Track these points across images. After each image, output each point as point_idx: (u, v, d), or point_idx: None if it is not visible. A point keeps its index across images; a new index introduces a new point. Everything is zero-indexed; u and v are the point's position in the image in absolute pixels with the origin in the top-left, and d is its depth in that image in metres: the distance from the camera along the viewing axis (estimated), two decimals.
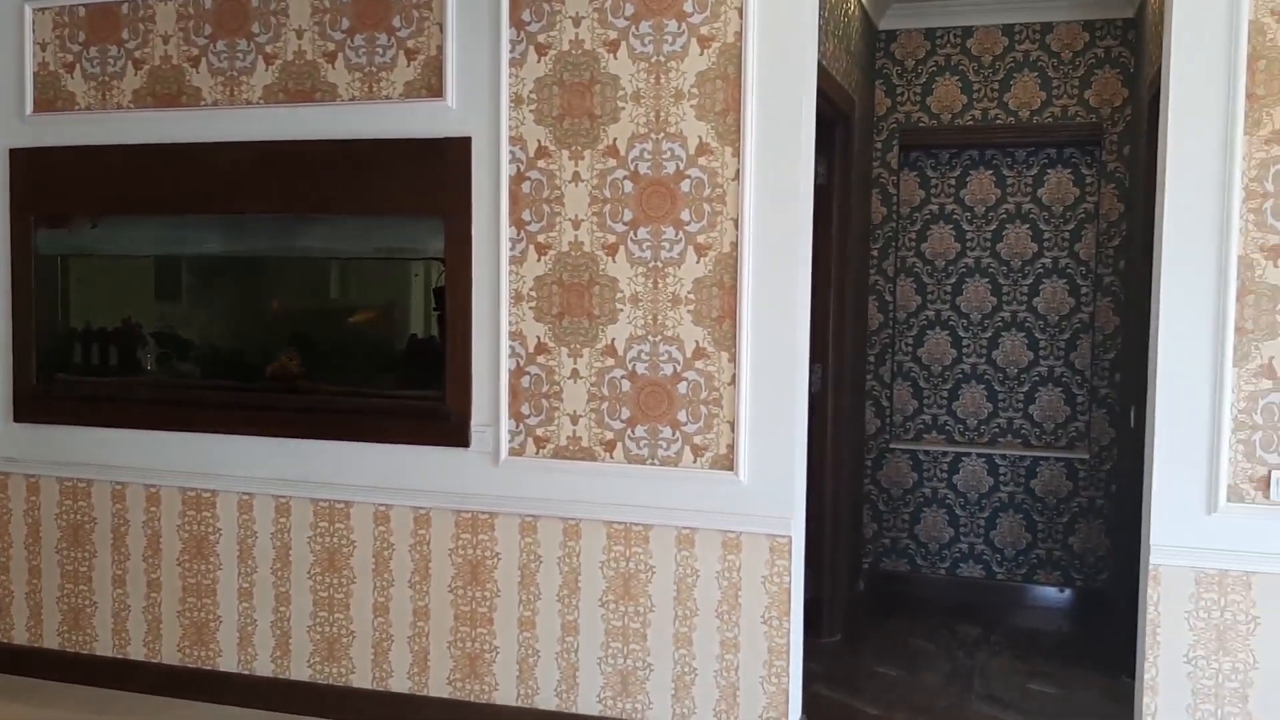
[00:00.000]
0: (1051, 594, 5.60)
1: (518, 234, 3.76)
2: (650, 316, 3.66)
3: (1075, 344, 5.59)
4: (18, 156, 4.28)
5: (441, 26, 3.78)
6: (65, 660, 4.36)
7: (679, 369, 3.65)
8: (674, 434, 3.66)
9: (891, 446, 5.80)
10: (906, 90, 5.62)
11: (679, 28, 3.57)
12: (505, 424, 3.80)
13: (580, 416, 3.74)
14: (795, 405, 3.58)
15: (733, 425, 3.60)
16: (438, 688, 3.94)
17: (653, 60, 3.60)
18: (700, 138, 3.57)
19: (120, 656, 4.31)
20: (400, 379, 4.17)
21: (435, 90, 3.80)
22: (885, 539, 5.84)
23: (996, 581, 5.68)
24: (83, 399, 4.32)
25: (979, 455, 5.69)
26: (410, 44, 3.84)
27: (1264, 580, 3.24)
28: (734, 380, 3.59)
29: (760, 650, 3.62)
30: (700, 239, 3.59)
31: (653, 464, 3.68)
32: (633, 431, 3.70)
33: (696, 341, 3.62)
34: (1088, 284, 5.55)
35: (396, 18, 3.84)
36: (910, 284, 5.80)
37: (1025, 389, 5.67)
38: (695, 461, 3.65)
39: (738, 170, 3.54)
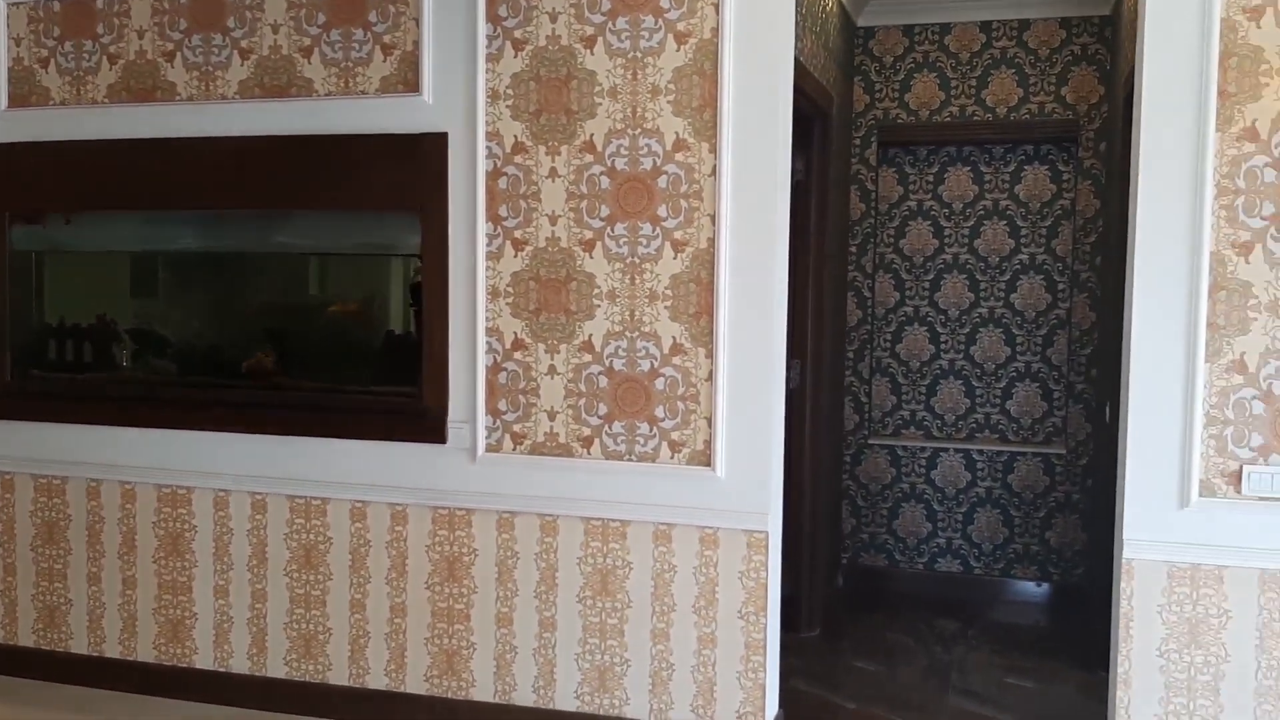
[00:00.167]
0: (1029, 588, 5.63)
1: (494, 230, 3.75)
2: (627, 313, 3.66)
3: (1052, 340, 5.62)
4: None
5: (418, 21, 3.77)
6: (40, 658, 4.34)
7: (656, 365, 3.65)
8: (651, 430, 3.67)
9: (870, 442, 5.82)
10: (885, 87, 5.63)
11: (656, 24, 3.56)
12: (482, 420, 3.79)
13: (558, 413, 3.74)
14: (772, 401, 3.58)
15: (710, 421, 3.60)
16: (415, 684, 3.93)
17: (629, 56, 3.59)
18: (677, 134, 3.57)
19: (96, 654, 4.29)
20: (377, 375, 4.16)
21: (412, 85, 3.79)
22: (864, 534, 5.86)
23: (974, 576, 5.71)
24: (57, 395, 4.30)
25: (957, 451, 5.71)
26: (386, 39, 3.83)
27: (1235, 574, 3.27)
28: (711, 376, 3.59)
29: (737, 645, 3.63)
30: (677, 235, 3.60)
31: (630, 460, 3.69)
32: (610, 428, 3.70)
33: (674, 337, 3.63)
34: (1064, 280, 5.58)
35: (373, 13, 3.83)
36: (889, 280, 5.82)
37: (1002, 385, 5.70)
38: (672, 457, 3.65)
39: (715, 166, 3.54)
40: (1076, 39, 5.39)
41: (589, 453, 3.72)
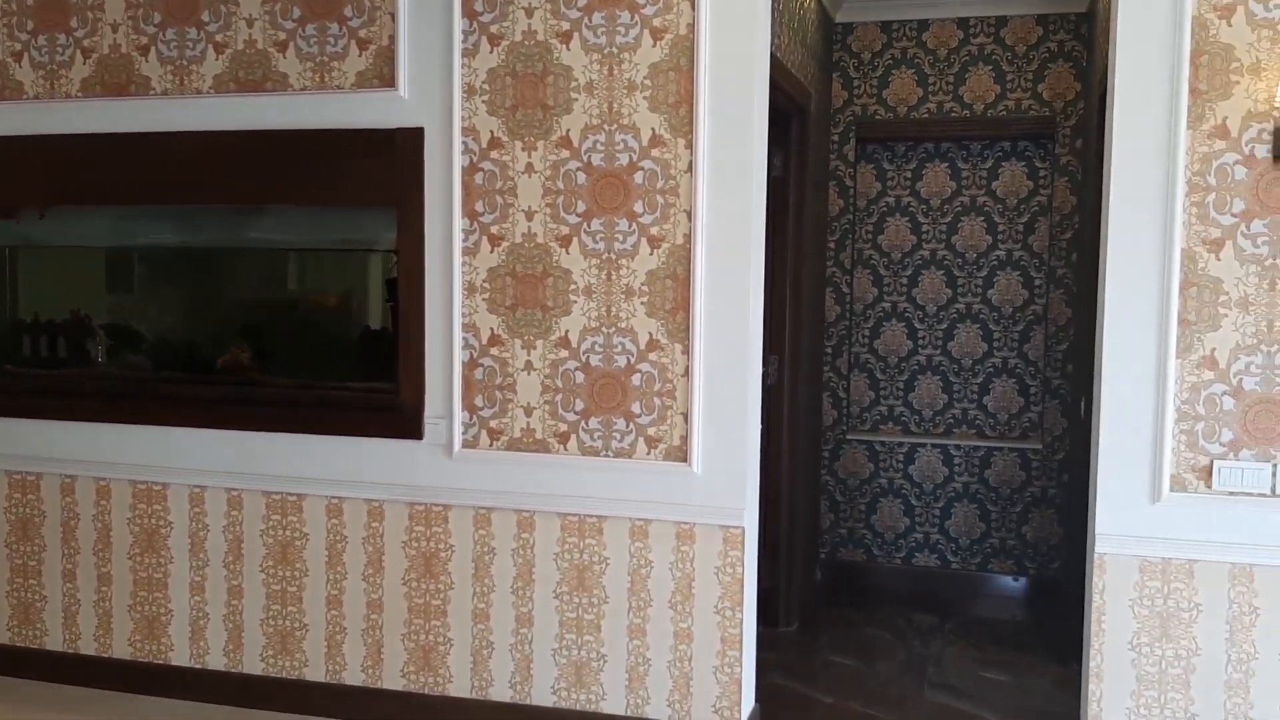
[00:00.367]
0: (1006, 583, 5.66)
1: (471, 225, 3.74)
2: (604, 308, 3.66)
3: (1029, 335, 5.65)
4: None
5: (393, 16, 3.75)
6: (15, 655, 4.31)
7: (633, 361, 3.65)
8: (628, 426, 3.67)
9: (848, 437, 5.84)
10: (863, 83, 5.65)
11: (632, 19, 3.56)
12: (459, 416, 3.79)
13: (534, 408, 3.74)
14: (748, 397, 3.59)
15: (686, 417, 3.61)
16: (391, 680, 3.93)
17: (605, 52, 3.59)
18: (653, 129, 3.57)
19: (71, 651, 4.27)
20: (353, 371, 4.15)
21: (387, 80, 3.78)
22: (842, 529, 5.88)
23: (951, 571, 5.74)
24: (31, 391, 4.27)
25: (934, 446, 5.74)
26: (362, 33, 3.81)
27: (1206, 568, 3.29)
28: (687, 372, 3.60)
29: (713, 640, 3.64)
30: (653, 231, 3.60)
31: (606, 456, 3.69)
32: (586, 423, 3.70)
33: (650, 333, 3.63)
34: (1041, 276, 5.61)
35: (348, 7, 3.82)
36: (867, 276, 5.84)
37: (980, 380, 5.73)
38: (649, 453, 3.66)
39: (691, 162, 3.54)
40: (1053, 36, 5.41)
41: (565, 448, 3.72)
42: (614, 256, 3.64)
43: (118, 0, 4.04)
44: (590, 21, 3.60)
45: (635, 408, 3.66)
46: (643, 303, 3.63)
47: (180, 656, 4.15)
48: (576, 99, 3.63)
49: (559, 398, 3.72)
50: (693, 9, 3.50)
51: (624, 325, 3.65)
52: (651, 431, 3.65)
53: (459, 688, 3.87)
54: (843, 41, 5.66)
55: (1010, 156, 5.63)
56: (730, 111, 3.51)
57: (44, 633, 4.30)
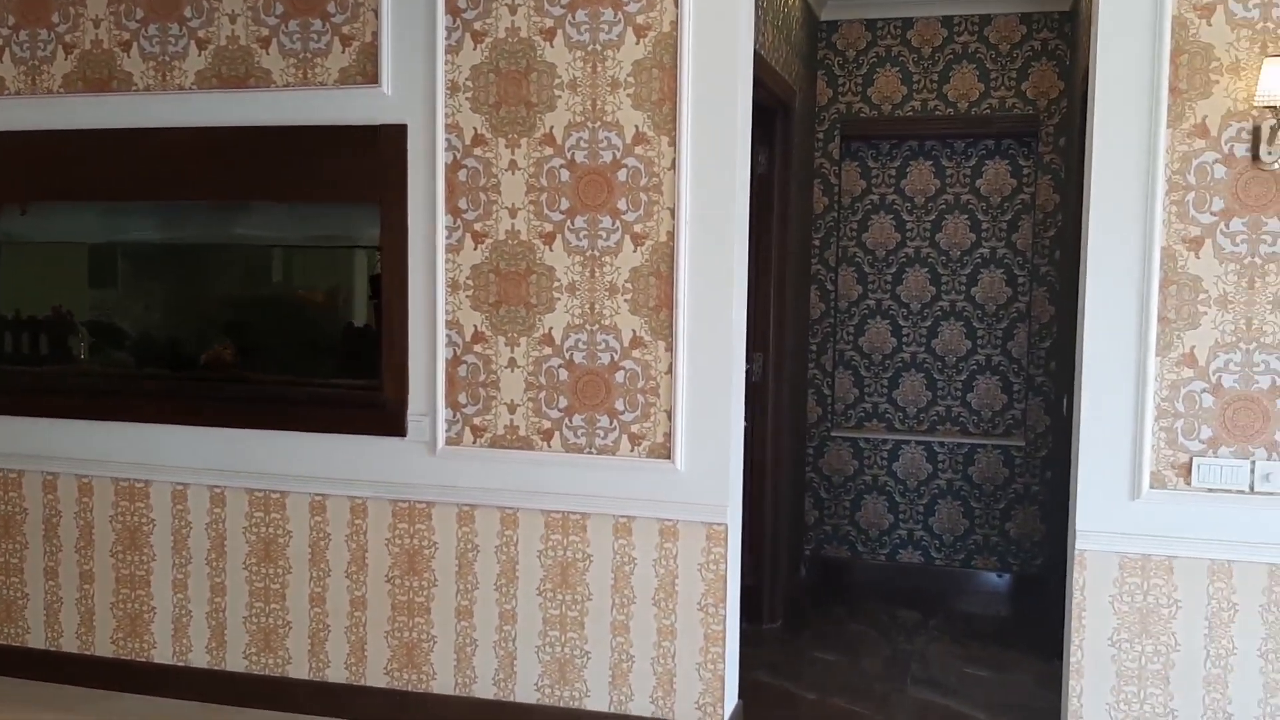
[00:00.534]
0: (989, 579, 5.69)
1: (454, 222, 3.74)
2: (587, 306, 3.66)
3: (1012, 333, 5.67)
4: None
5: (376, 13, 3.75)
6: None
7: (616, 358, 3.66)
8: (611, 423, 3.67)
9: (833, 434, 5.86)
10: (848, 81, 5.66)
11: (615, 16, 3.56)
12: (442, 413, 3.79)
13: (518, 406, 3.74)
14: (731, 394, 3.60)
15: (670, 414, 3.61)
16: (375, 677, 3.93)
17: (589, 49, 3.59)
18: (637, 127, 3.57)
19: (53, 649, 4.25)
20: (337, 368, 4.15)
21: (371, 77, 3.77)
22: (826, 526, 5.89)
23: (935, 567, 5.76)
24: (12, 388, 4.24)
25: (918, 443, 5.76)
26: (345, 30, 3.80)
27: (1185, 564, 3.32)
28: (671, 369, 3.60)
29: (697, 637, 3.64)
30: (637, 228, 3.60)
31: (590, 453, 3.69)
32: (570, 420, 3.71)
33: (634, 331, 3.63)
34: (1024, 274, 5.63)
35: (331, 3, 3.81)
36: (851, 273, 5.85)
37: (963, 377, 5.75)
38: (633, 450, 3.66)
39: (674, 160, 3.54)
40: (1037, 34, 5.43)
41: (549, 446, 3.72)
42: (597, 254, 3.64)
43: None
44: (574, 18, 3.60)
45: (619, 405, 3.66)
46: (626, 300, 3.63)
47: (163, 654, 4.14)
48: (560, 96, 3.63)
49: (542, 395, 3.72)
50: (676, 6, 3.50)
51: (607, 322, 3.65)
52: (635, 428, 3.65)
53: (442, 685, 3.87)
54: (827, 39, 5.67)
55: (994, 155, 5.65)
56: (714, 109, 3.51)
57: (25, 630, 4.28)
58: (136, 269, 4.49)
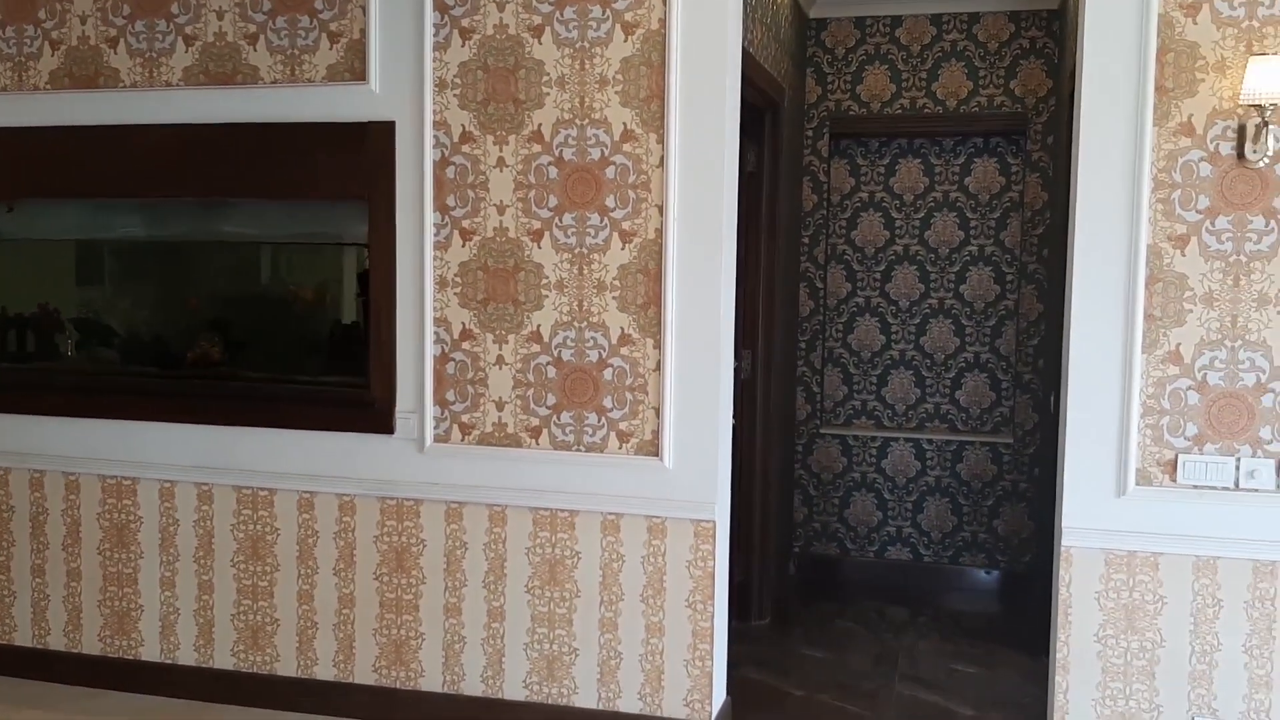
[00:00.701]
0: (977, 576, 5.70)
1: (442, 219, 3.74)
2: (576, 303, 3.66)
3: (1000, 330, 5.69)
4: None
5: (364, 9, 3.74)
6: None
7: (604, 355, 3.66)
8: (600, 420, 3.68)
9: (822, 432, 5.87)
10: (837, 79, 5.67)
11: (603, 13, 3.56)
12: (430, 411, 3.78)
13: (506, 403, 3.74)
14: (719, 391, 3.60)
15: (658, 411, 3.62)
16: (363, 675, 3.92)
17: (577, 46, 3.59)
18: (625, 124, 3.57)
19: (40, 647, 4.24)
20: (324, 365, 4.14)
21: (358, 74, 3.77)
22: (815, 523, 5.90)
23: (924, 564, 5.77)
24: None
25: (907, 440, 5.77)
26: (333, 26, 3.80)
27: (1170, 561, 3.33)
28: (659, 366, 3.60)
29: (684, 634, 3.65)
30: (625, 225, 3.60)
31: (578, 450, 3.69)
32: (558, 418, 3.71)
33: (622, 328, 3.63)
34: (1013, 271, 5.64)
35: (319, 0, 3.80)
36: (841, 271, 5.86)
37: (952, 375, 5.76)
38: (621, 448, 3.66)
39: (662, 157, 3.55)
40: (1025, 33, 5.44)
41: (537, 443, 3.72)
42: (586, 251, 3.64)
43: None
44: (562, 15, 3.60)
45: (607, 402, 3.66)
46: (614, 297, 3.63)
47: (150, 652, 4.13)
48: (548, 93, 3.62)
49: (531, 392, 3.72)
50: (664, 4, 3.51)
51: (596, 320, 3.65)
52: (623, 426, 3.65)
53: (430, 682, 3.87)
54: (816, 37, 5.67)
55: (983, 153, 5.66)
56: (702, 106, 3.51)
57: (13, 629, 4.27)
58: (124, 266, 4.48)
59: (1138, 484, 3.33)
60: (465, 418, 3.78)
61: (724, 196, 3.55)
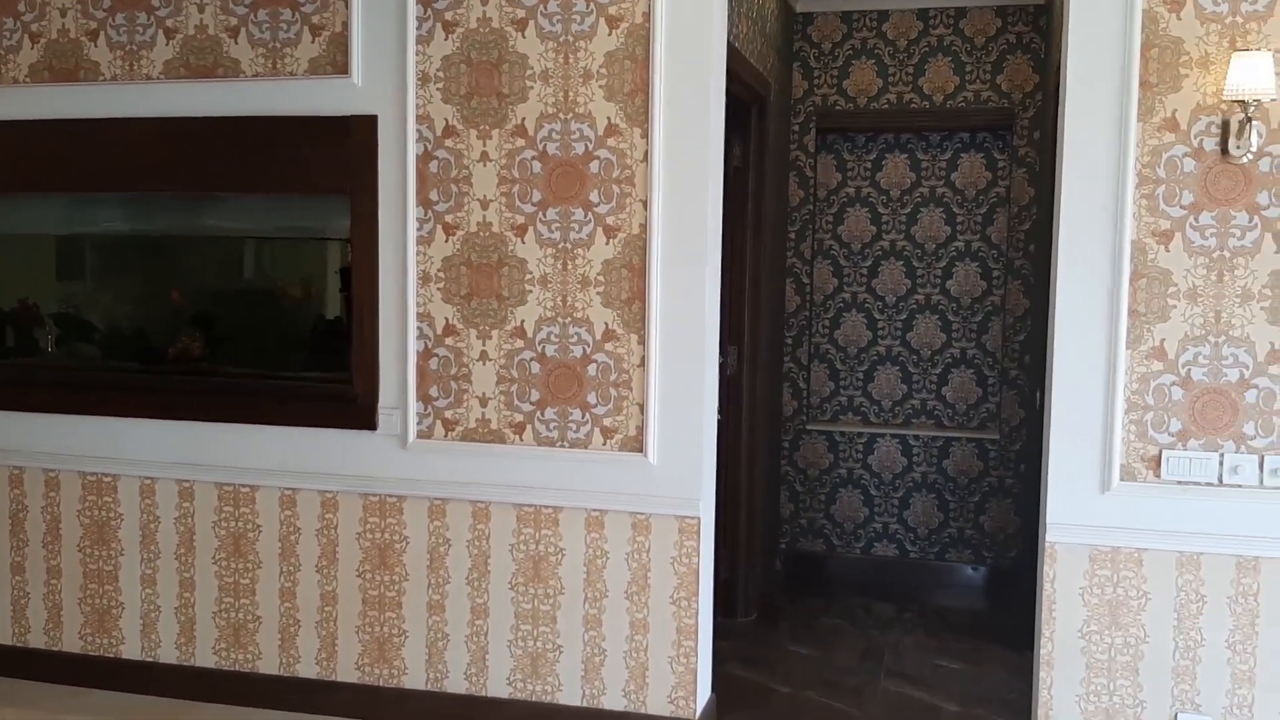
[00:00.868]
0: (964, 572, 5.70)
1: (425, 214, 3.71)
2: (559, 298, 3.64)
3: (987, 326, 5.68)
4: None
5: (347, 2, 3.71)
6: None
7: (588, 351, 3.64)
8: (583, 416, 3.66)
9: (808, 428, 5.86)
10: (823, 73, 5.65)
11: (587, 7, 3.54)
12: (413, 406, 3.76)
13: (489, 399, 3.72)
14: (705, 387, 3.59)
15: (642, 407, 3.60)
16: (346, 672, 3.90)
17: (561, 40, 3.57)
18: (609, 119, 3.55)
19: (20, 645, 4.21)
20: (306, 361, 4.11)
21: (341, 67, 3.74)
22: (802, 519, 5.89)
23: (910, 560, 5.77)
24: None
25: (893, 436, 5.76)
26: (315, 19, 3.77)
27: (1154, 557, 3.33)
28: (643, 362, 3.59)
29: (669, 631, 3.64)
30: (609, 220, 3.58)
31: (562, 446, 3.68)
32: (542, 414, 3.69)
33: (606, 323, 3.62)
34: (999, 267, 5.64)
35: None
36: (827, 266, 5.85)
37: (938, 371, 5.76)
38: (605, 444, 3.65)
39: (646, 152, 3.53)
40: (1012, 28, 5.44)
41: (521, 439, 3.71)
42: (570, 246, 3.62)
43: None
44: (545, 9, 3.57)
45: (591, 398, 3.65)
46: (598, 293, 3.61)
47: (131, 650, 4.11)
48: (532, 87, 3.60)
49: (514, 388, 3.70)
50: None
51: (580, 315, 3.63)
52: (607, 422, 3.64)
53: (414, 680, 3.85)
54: (803, 32, 5.66)
55: (969, 148, 5.66)
56: (687, 101, 3.50)
57: None
58: (104, 261, 4.44)
59: (1122, 480, 3.33)
60: (448, 414, 3.75)
61: (709, 192, 3.54)
